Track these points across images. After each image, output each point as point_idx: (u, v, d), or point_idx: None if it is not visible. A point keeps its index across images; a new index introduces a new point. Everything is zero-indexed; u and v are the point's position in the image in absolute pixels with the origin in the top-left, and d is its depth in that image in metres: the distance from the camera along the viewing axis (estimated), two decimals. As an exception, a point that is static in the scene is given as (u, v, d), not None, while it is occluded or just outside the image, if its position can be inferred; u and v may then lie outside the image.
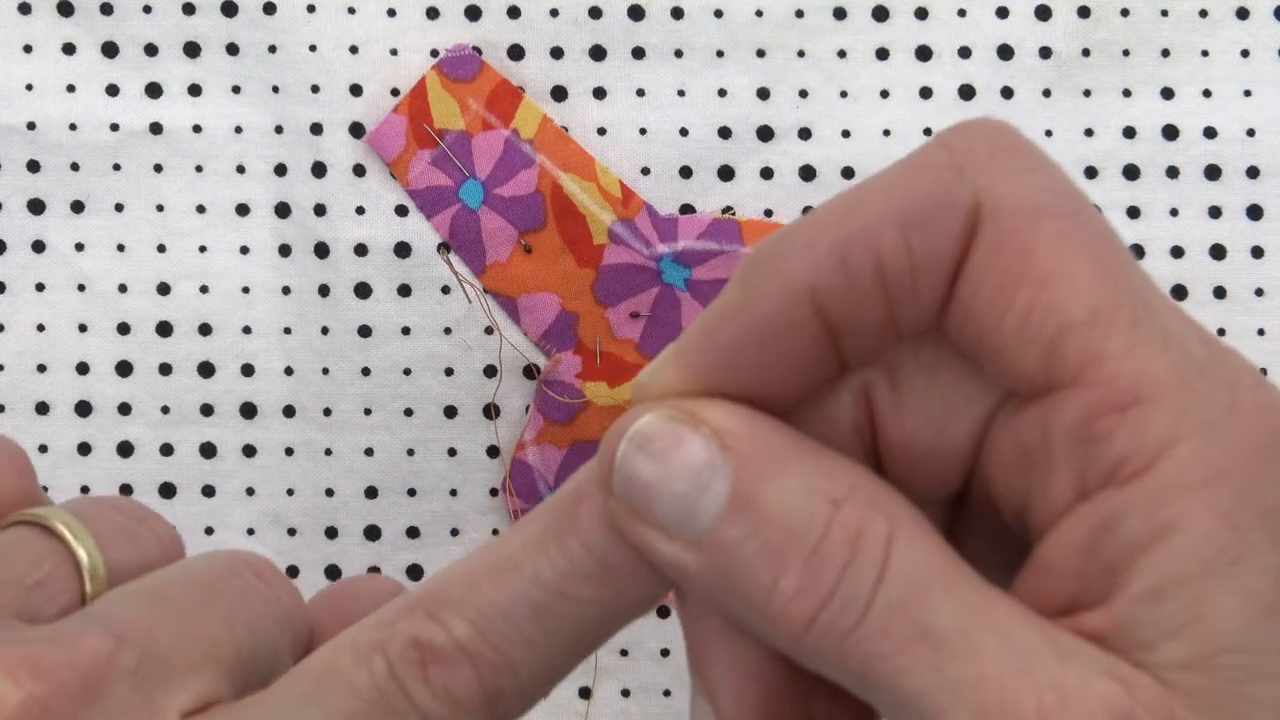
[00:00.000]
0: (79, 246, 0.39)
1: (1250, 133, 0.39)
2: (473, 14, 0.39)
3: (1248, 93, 0.39)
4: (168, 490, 0.39)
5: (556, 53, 0.39)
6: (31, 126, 0.39)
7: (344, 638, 0.22)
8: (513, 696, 0.21)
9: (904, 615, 0.20)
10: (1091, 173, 0.39)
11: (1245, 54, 0.39)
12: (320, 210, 0.39)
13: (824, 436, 0.22)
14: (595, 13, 0.39)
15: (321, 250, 0.39)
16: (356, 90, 0.39)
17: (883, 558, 0.20)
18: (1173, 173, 0.39)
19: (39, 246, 0.39)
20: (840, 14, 0.39)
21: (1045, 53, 0.39)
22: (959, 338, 0.22)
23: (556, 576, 0.21)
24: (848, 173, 0.39)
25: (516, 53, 0.39)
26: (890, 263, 0.20)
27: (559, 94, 0.39)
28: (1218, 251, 0.39)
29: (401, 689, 0.21)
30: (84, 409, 0.39)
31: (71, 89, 0.39)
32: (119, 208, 0.39)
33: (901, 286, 0.21)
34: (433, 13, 0.39)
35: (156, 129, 0.39)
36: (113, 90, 0.39)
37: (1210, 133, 0.39)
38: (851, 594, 0.20)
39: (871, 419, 0.23)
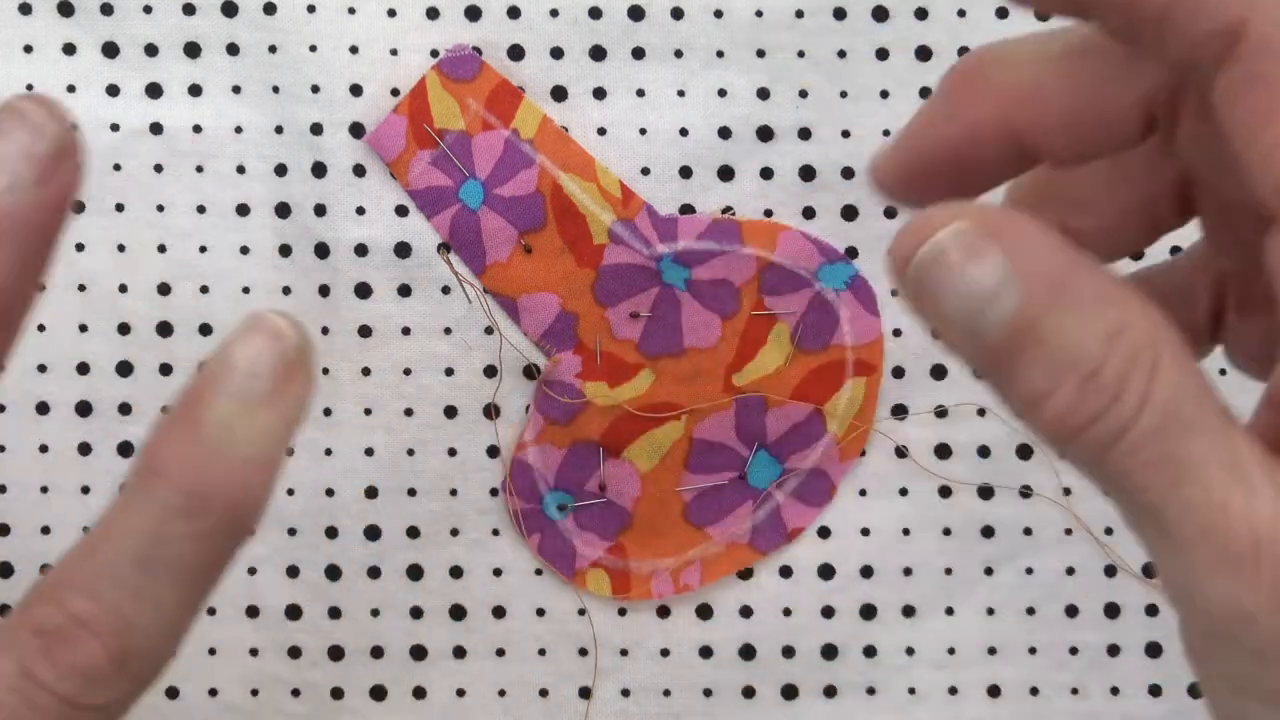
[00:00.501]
0: (79, 247, 0.39)
1: (1250, 133, 0.39)
2: (473, 14, 0.39)
3: (1248, 93, 0.39)
4: (168, 490, 0.39)
5: (556, 53, 0.39)
6: (32, 127, 0.39)
7: None
8: (142, 654, 0.22)
9: (1155, 441, 0.23)
10: (1091, 173, 0.39)
11: (1245, 54, 0.39)
12: (320, 210, 0.39)
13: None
14: (595, 13, 0.39)
15: (322, 250, 0.39)
16: (356, 90, 0.39)
17: (1145, 390, 0.23)
18: (1173, 173, 0.39)
19: (39, 247, 0.39)
20: (840, 14, 0.39)
21: (1045, 53, 0.39)
22: (1192, 156, 0.26)
23: (149, 522, 0.22)
24: (847, 173, 0.39)
25: (516, 53, 0.39)
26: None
27: (559, 94, 0.39)
28: (1218, 251, 0.39)
29: (33, 681, 0.22)
30: (84, 409, 0.39)
31: (72, 89, 0.39)
32: (119, 208, 0.39)
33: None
34: (433, 13, 0.39)
35: (157, 129, 0.39)
36: (113, 90, 0.39)
37: (1210, 133, 0.39)
38: (1114, 420, 0.23)
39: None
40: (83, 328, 0.39)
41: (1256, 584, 0.23)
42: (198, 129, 0.39)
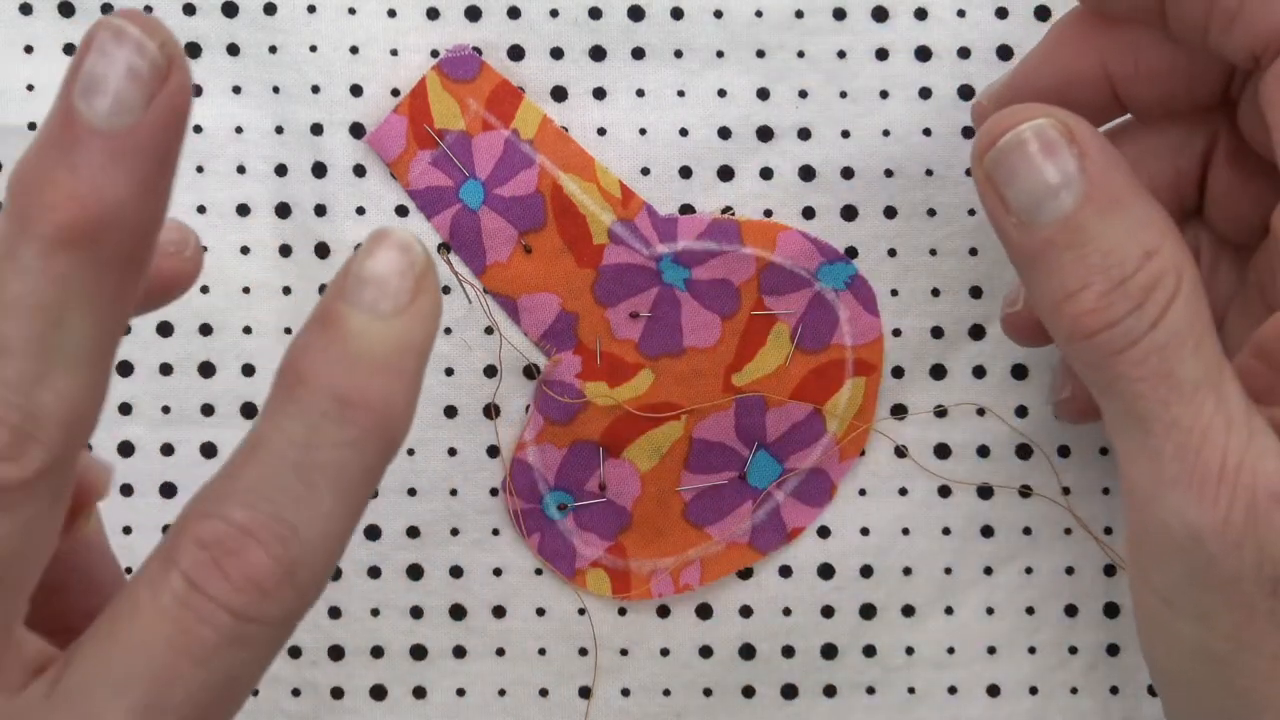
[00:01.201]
0: (80, 247, 0.39)
1: (1249, 133, 0.39)
2: (473, 14, 0.39)
3: (1247, 93, 0.39)
4: (168, 490, 0.39)
5: (556, 53, 0.39)
6: (33, 127, 0.39)
7: (135, 575, 0.22)
8: (308, 564, 0.22)
9: (1159, 356, 0.25)
10: (1091, 173, 0.39)
11: (1244, 54, 0.39)
12: (321, 210, 0.39)
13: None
14: (595, 13, 0.39)
15: (322, 250, 0.39)
16: (357, 91, 0.39)
17: (1163, 309, 0.26)
18: (1172, 173, 0.39)
19: (40, 247, 0.39)
20: (840, 14, 0.39)
21: (1045, 53, 0.39)
22: (1248, 127, 0.29)
23: (303, 429, 0.22)
24: (847, 173, 0.39)
25: (516, 53, 0.39)
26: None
27: (559, 94, 0.39)
28: (1217, 251, 0.39)
29: (205, 595, 0.21)
30: (85, 409, 0.39)
31: (72, 89, 0.39)
32: (119, 208, 0.39)
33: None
34: (433, 13, 0.39)
35: (157, 129, 0.39)
36: (113, 91, 0.39)
37: (1209, 133, 0.39)
38: (1130, 328, 0.26)
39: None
40: (83, 328, 0.39)
41: (1214, 508, 0.25)
42: (198, 129, 0.39)
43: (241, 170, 0.39)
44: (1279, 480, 0.25)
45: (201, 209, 0.39)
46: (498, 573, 0.40)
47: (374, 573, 0.39)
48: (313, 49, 0.39)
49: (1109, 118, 0.32)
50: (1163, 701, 0.30)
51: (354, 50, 0.39)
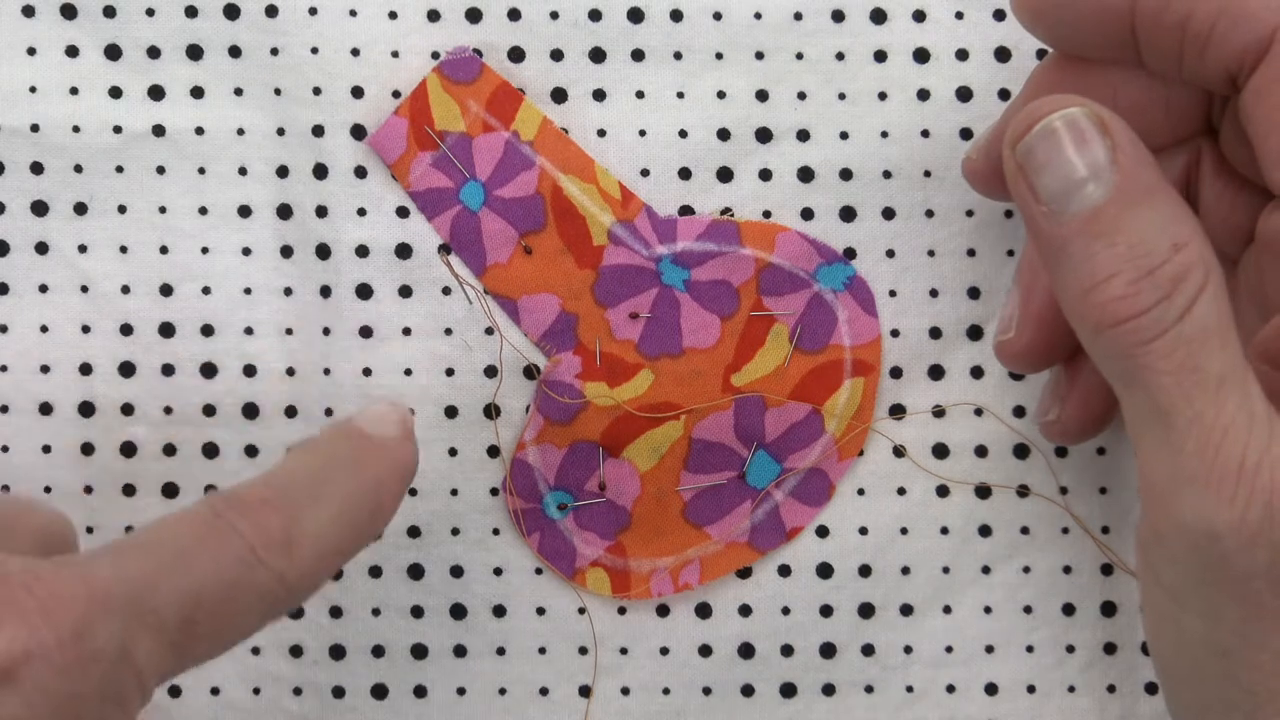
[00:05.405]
0: (82, 248, 0.39)
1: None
2: (473, 16, 0.39)
3: (1243, 94, 0.39)
4: (170, 490, 0.39)
5: (556, 55, 0.39)
6: (35, 129, 0.39)
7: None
8: (306, 546, 0.27)
9: (1186, 349, 0.26)
10: (1088, 174, 0.40)
11: (1241, 56, 0.39)
12: (322, 212, 0.39)
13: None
14: (595, 15, 0.39)
15: (323, 251, 0.39)
16: (358, 92, 0.39)
17: (1191, 301, 0.26)
18: (1169, 174, 0.40)
19: (42, 248, 0.39)
20: (839, 16, 0.39)
21: (1042, 55, 0.39)
22: (1230, 150, 0.30)
23: (319, 460, 0.29)
24: (845, 174, 0.39)
25: (517, 55, 0.39)
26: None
27: (559, 96, 0.39)
28: (1214, 252, 0.40)
29: (225, 520, 0.26)
30: (87, 409, 0.39)
31: (74, 91, 0.39)
32: (121, 209, 0.39)
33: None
34: (434, 15, 0.39)
35: (159, 131, 0.39)
36: (115, 92, 0.39)
37: (1206, 134, 0.40)
38: (1159, 318, 0.26)
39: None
40: (85, 328, 0.39)
41: (1231, 505, 0.25)
42: (200, 131, 0.39)
43: (243, 172, 0.39)
44: None
45: (203, 210, 0.39)
46: (498, 572, 0.40)
47: (374, 572, 0.39)
48: (314, 51, 0.39)
49: None
50: (1166, 695, 0.30)
51: (355, 52, 0.39)
